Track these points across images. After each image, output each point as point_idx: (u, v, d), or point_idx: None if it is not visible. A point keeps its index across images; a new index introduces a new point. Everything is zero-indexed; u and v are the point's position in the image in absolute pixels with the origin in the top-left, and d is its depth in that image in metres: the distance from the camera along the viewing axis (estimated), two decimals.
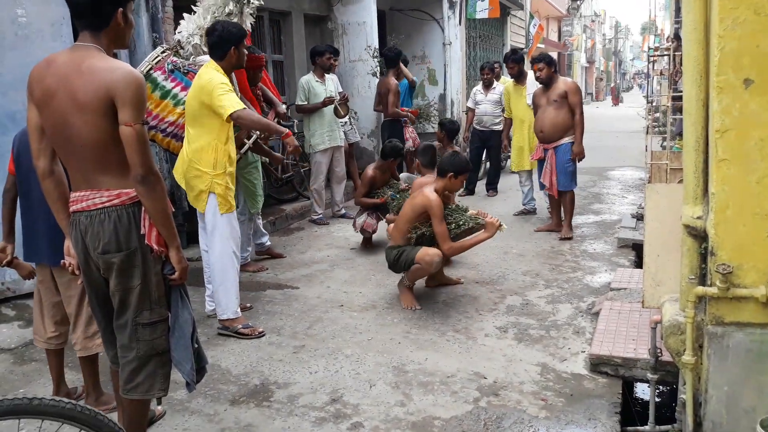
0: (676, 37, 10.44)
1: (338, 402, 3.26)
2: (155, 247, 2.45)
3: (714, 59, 2.31)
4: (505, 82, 7.60)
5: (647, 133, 7.93)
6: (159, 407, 3.15)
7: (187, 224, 5.93)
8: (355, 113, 8.59)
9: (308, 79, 7.14)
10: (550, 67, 6.25)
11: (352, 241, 6.36)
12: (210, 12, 4.85)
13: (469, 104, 8.74)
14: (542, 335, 4.02)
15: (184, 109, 4.39)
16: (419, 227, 4.47)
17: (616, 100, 35.34)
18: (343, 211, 7.49)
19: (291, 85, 8.68)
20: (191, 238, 5.97)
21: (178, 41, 4.81)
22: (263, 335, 4.10)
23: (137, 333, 2.49)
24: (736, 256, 2.40)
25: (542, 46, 20.37)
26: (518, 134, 7.38)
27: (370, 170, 6.13)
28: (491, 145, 8.59)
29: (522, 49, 15.34)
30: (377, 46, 9.20)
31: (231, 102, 3.89)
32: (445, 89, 11.64)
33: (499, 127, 8.27)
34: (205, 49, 4.66)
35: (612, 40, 57.66)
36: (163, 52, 4.56)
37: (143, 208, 2.42)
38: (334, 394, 3.34)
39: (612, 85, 43.10)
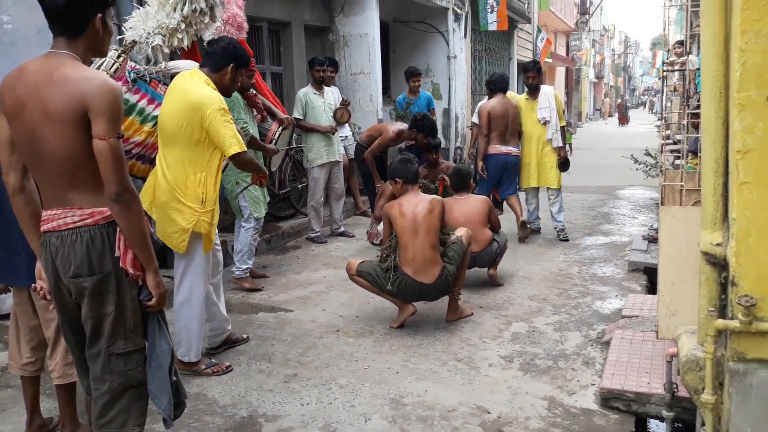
0: (681, 43, 10.23)
1: None
2: (131, 270, 2.28)
3: (735, 74, 2.14)
4: (513, 97, 7.36)
5: (661, 151, 7.69)
6: None
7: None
8: (359, 128, 8.42)
9: (306, 91, 6.90)
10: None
11: None
12: (170, 4, 4.14)
13: (474, 119, 8.52)
14: (550, 366, 3.80)
15: (153, 126, 3.80)
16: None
17: (624, 118, 32.61)
18: (342, 229, 7.23)
19: (290, 98, 8.45)
20: (170, 258, 5.76)
21: (133, 41, 4.13)
22: (230, 370, 3.76)
23: (111, 364, 2.32)
24: (760, 287, 2.22)
25: (550, 60, 20.21)
26: (526, 150, 7.10)
27: (390, 187, 5.97)
28: None
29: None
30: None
31: (237, 138, 3.47)
32: (449, 104, 11.42)
33: None
34: (167, 51, 4.21)
35: (621, 55, 57.50)
36: (118, 56, 3.78)
37: (118, 229, 2.25)
38: (326, 429, 3.12)
39: (619, 101, 40.21)
